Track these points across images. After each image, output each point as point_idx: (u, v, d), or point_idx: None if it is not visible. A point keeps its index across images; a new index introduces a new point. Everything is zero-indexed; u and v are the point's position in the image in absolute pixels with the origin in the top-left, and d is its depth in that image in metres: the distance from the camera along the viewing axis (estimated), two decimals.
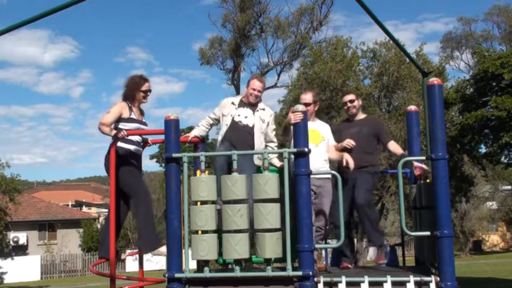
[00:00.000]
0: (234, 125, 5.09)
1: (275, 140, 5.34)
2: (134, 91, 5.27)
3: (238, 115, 5.13)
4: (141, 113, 5.46)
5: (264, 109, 5.23)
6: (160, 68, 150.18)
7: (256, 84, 5.17)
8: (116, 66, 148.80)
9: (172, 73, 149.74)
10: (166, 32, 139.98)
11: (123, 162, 5.03)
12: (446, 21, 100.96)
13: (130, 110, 5.25)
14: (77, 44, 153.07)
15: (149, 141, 5.50)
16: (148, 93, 5.36)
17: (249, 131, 5.08)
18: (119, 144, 5.02)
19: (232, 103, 5.20)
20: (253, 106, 5.19)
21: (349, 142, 5.29)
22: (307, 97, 5.34)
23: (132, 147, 5.22)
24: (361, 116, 5.70)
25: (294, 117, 4.20)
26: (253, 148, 5.03)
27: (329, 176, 5.17)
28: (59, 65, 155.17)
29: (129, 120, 5.21)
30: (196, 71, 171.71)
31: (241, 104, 5.21)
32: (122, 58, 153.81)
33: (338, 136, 5.46)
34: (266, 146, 5.29)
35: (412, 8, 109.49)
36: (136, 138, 5.28)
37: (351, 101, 5.56)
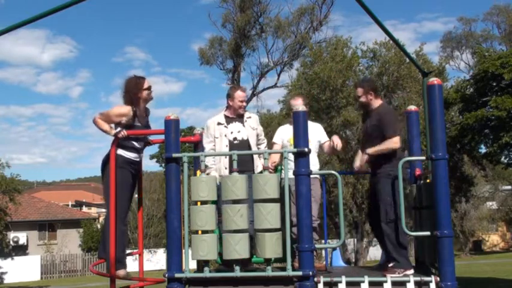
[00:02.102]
0: (233, 145, 5.15)
1: (264, 139, 5.51)
2: (138, 92, 5.12)
3: (231, 132, 5.22)
4: (147, 113, 5.30)
5: (250, 117, 5.37)
6: (159, 67, 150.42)
7: (243, 95, 5.30)
8: (114, 66, 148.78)
9: (171, 73, 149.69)
10: (165, 31, 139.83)
11: (118, 173, 4.86)
12: (444, 21, 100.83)
13: (135, 115, 5.07)
14: (76, 43, 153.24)
15: (150, 141, 5.37)
16: (151, 89, 5.26)
17: (246, 145, 5.19)
18: (119, 152, 4.94)
19: (219, 123, 5.25)
20: (240, 118, 5.29)
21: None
22: (298, 102, 5.32)
23: (132, 155, 5.09)
24: (376, 104, 5.04)
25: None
26: (253, 161, 5.19)
27: (317, 176, 5.24)
28: (58, 65, 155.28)
29: (133, 127, 5.05)
30: (195, 70, 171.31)
31: (229, 120, 5.28)
32: (121, 58, 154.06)
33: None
34: (258, 146, 5.40)
35: (411, 8, 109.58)
36: (138, 144, 5.15)
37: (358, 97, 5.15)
